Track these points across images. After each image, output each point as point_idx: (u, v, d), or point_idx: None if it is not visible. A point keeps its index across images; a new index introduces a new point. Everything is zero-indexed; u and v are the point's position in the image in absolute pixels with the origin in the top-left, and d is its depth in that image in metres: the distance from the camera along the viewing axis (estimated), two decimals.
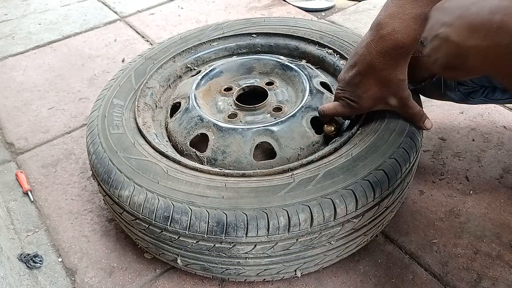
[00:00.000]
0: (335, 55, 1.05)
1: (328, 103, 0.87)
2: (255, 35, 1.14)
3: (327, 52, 1.06)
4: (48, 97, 1.40)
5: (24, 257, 0.90)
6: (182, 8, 1.86)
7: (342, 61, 1.03)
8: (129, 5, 1.91)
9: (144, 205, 0.74)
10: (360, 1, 1.79)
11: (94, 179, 0.87)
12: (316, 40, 1.08)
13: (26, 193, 1.07)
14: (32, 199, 1.05)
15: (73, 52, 1.62)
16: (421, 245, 0.88)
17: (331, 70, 1.05)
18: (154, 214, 0.73)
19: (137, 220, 0.76)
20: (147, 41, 1.65)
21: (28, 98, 1.40)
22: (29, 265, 0.89)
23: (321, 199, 0.70)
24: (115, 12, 1.87)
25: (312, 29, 1.12)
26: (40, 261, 0.90)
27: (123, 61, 1.54)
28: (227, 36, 1.14)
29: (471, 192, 0.98)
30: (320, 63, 1.08)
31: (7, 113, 1.35)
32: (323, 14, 1.73)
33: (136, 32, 1.72)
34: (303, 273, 0.80)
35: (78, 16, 1.86)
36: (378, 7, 1.73)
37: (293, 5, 1.79)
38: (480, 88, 0.85)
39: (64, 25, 1.80)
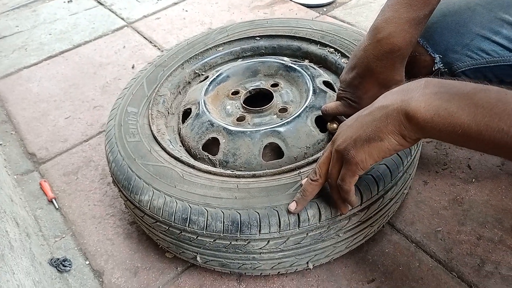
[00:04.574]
0: (337, 53, 1.08)
1: (331, 102, 0.91)
2: (258, 38, 1.18)
3: (328, 51, 1.10)
4: (64, 107, 1.45)
5: (54, 262, 0.95)
6: (186, 11, 1.90)
7: (343, 60, 1.06)
8: (135, 10, 1.96)
9: (163, 209, 0.79)
10: None
11: (115, 186, 0.93)
12: (318, 39, 1.12)
13: (50, 201, 1.12)
14: (57, 207, 1.11)
15: (85, 61, 1.67)
16: (426, 234, 0.92)
17: (333, 69, 1.09)
18: (173, 217, 0.78)
19: (157, 223, 0.81)
20: (155, 46, 1.70)
21: (45, 108, 1.46)
22: (60, 269, 0.95)
23: (327, 195, 0.74)
24: (122, 18, 1.91)
25: (314, 29, 1.15)
26: (69, 264, 0.96)
27: (133, 67, 1.58)
28: (232, 40, 1.18)
29: (474, 180, 1.01)
30: (322, 62, 1.12)
31: (26, 124, 1.41)
32: (324, 9, 1.76)
33: (144, 37, 1.76)
34: (315, 265, 0.85)
35: (86, 24, 1.90)
36: (378, 0, 1.76)
37: (294, 2, 1.82)
38: None
39: (74, 34, 1.85)
